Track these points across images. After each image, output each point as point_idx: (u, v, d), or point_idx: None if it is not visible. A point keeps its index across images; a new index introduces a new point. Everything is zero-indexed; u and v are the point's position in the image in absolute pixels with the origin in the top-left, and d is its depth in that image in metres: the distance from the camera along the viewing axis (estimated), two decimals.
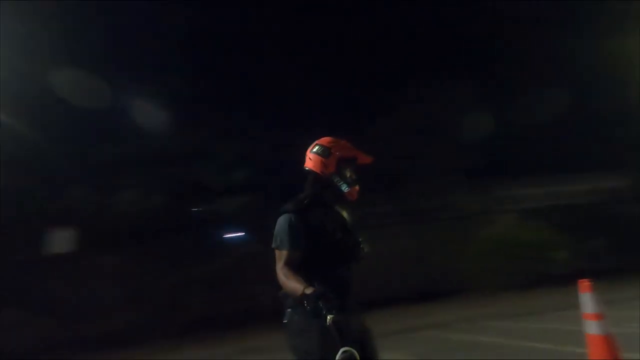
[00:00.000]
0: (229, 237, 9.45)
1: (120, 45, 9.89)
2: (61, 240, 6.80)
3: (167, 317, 7.96)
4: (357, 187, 1.61)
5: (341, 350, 1.05)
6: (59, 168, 8.01)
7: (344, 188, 1.58)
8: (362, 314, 1.59)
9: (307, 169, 1.67)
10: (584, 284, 2.89)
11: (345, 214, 1.68)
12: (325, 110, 11.92)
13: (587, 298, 2.84)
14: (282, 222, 1.52)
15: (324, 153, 1.64)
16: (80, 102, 8.16)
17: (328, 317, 1.12)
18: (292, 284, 1.38)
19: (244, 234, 10.33)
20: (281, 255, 1.47)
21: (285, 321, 1.50)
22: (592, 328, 2.78)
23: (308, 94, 11.85)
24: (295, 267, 1.45)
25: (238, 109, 10.35)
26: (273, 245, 1.49)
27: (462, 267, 10.21)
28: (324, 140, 1.69)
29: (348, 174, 1.60)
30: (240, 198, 8.46)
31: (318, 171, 1.63)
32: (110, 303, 8.41)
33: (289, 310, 1.50)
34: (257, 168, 9.18)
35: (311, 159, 1.66)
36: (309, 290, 1.25)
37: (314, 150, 1.67)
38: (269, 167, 9.60)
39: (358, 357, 1.08)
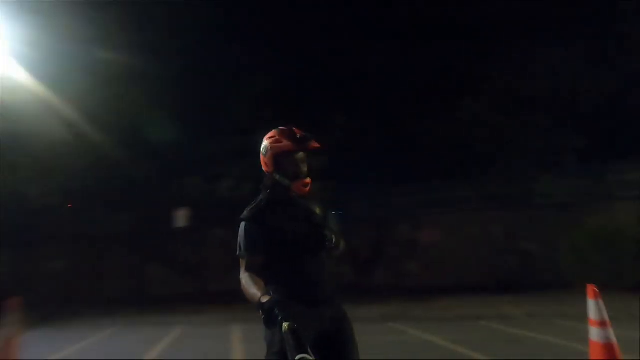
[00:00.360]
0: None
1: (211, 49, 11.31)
2: (182, 218, 8.93)
3: None
4: (304, 180, 1.55)
5: (298, 357, 1.04)
6: (179, 161, 10.48)
7: (287, 183, 1.54)
8: (339, 306, 1.61)
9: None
10: (591, 290, 2.87)
11: (314, 206, 1.63)
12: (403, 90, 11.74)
13: (592, 304, 2.83)
14: (240, 230, 1.54)
15: (263, 150, 1.60)
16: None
17: (283, 325, 1.12)
18: (250, 291, 1.38)
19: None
20: (242, 263, 1.50)
21: None
22: (594, 335, 2.79)
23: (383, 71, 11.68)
24: (259, 271, 1.46)
25: (313, 100, 11.04)
26: (237, 254, 1.52)
27: (555, 259, 9.28)
28: (266, 136, 1.62)
29: (290, 168, 1.54)
30: (313, 184, 9.38)
31: (265, 170, 1.61)
32: (221, 265, 10.68)
33: None
34: (330, 156, 9.98)
35: (260, 159, 1.63)
36: (264, 299, 1.26)
37: (261, 149, 1.62)
38: (341, 154, 10.32)
39: None
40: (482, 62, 11.34)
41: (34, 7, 8.31)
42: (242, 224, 1.51)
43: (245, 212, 1.54)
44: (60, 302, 10.46)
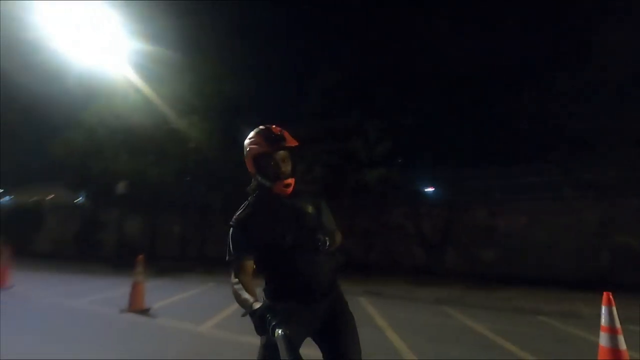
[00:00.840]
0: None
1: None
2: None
3: None
4: (285, 180, 1.49)
5: None
6: None
7: (268, 185, 1.51)
8: (339, 296, 1.61)
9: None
10: (606, 297, 2.90)
11: (304, 205, 1.57)
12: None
13: (605, 311, 2.87)
14: (229, 235, 1.53)
15: (245, 153, 1.57)
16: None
17: (276, 331, 1.12)
18: (241, 298, 1.39)
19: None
20: (231, 267, 1.49)
21: None
22: (603, 340, 2.86)
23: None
24: (249, 274, 1.47)
25: (385, 84, 11.03)
26: (226, 259, 1.51)
27: None
28: (247, 136, 1.58)
29: (270, 169, 1.50)
30: (381, 169, 9.73)
31: (250, 172, 1.58)
32: None
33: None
34: (397, 143, 10.10)
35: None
36: (256, 305, 1.26)
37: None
38: (407, 141, 10.31)
39: None
40: (581, 31, 9.79)
41: (144, 24, 10.19)
42: (231, 229, 1.51)
43: (234, 217, 1.53)
44: (175, 259, 13.09)
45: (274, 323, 1.17)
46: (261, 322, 1.22)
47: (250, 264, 1.48)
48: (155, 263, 11.53)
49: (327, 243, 1.48)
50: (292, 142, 1.53)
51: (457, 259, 11.19)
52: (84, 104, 12.57)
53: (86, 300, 6.79)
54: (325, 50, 12.03)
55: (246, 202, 1.58)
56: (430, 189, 13.27)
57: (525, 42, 10.87)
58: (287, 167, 1.54)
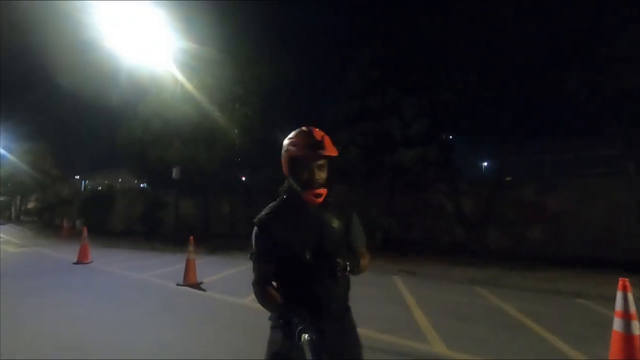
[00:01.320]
0: None
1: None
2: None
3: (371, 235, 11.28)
4: (316, 190, 1.41)
5: None
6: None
7: (298, 190, 1.43)
8: (348, 321, 1.52)
9: None
10: (622, 283, 2.90)
11: (332, 216, 1.48)
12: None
13: (620, 296, 2.88)
14: (253, 233, 1.47)
15: (282, 151, 1.48)
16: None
17: (303, 336, 1.10)
18: (265, 301, 1.40)
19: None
20: (253, 267, 1.46)
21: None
22: (617, 325, 2.88)
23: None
24: (270, 278, 1.43)
25: (427, 57, 10.60)
26: (248, 257, 1.48)
27: None
28: (290, 134, 1.49)
29: (304, 175, 1.41)
30: (417, 148, 9.61)
31: (284, 172, 1.48)
32: None
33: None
34: (435, 120, 9.84)
35: None
36: (282, 309, 1.26)
37: None
38: (447, 117, 9.96)
39: None
40: None
41: (184, 20, 10.81)
42: (254, 228, 1.47)
43: (259, 216, 1.49)
44: (226, 237, 14.20)
45: (300, 327, 1.15)
46: (287, 326, 1.20)
47: (269, 268, 1.44)
48: (208, 241, 12.66)
49: (348, 269, 1.34)
50: (331, 152, 1.40)
51: (500, 238, 10.88)
52: (140, 98, 13.79)
53: (149, 274, 7.81)
54: (360, 29, 11.72)
55: (274, 203, 1.52)
56: (472, 166, 12.85)
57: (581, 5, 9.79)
58: (321, 176, 1.42)
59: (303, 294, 1.39)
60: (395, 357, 3.54)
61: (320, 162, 1.42)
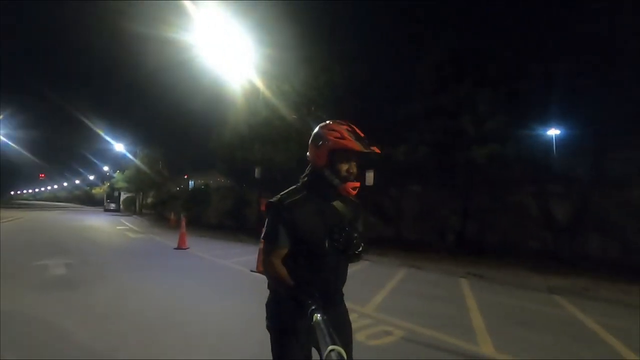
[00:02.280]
0: None
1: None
2: (369, 177, 10.85)
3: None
4: (354, 183, 1.44)
5: (328, 348, 0.99)
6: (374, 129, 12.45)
7: (336, 183, 1.43)
8: (341, 308, 1.55)
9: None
10: None
11: (343, 208, 1.51)
12: None
13: None
14: (269, 213, 1.46)
15: (316, 141, 1.48)
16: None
17: (315, 316, 1.13)
18: (277, 281, 1.42)
19: None
20: (265, 248, 1.46)
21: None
22: None
23: None
24: (284, 262, 1.43)
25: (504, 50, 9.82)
26: (261, 236, 1.47)
27: None
28: (324, 125, 1.50)
29: (344, 169, 1.42)
30: (492, 145, 8.93)
31: (312, 161, 1.50)
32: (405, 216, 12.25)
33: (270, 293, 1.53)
34: (515, 114, 9.00)
35: (309, 146, 1.52)
36: (295, 289, 1.28)
37: (311, 136, 1.50)
38: (528, 111, 9.00)
39: (345, 356, 0.98)
40: None
41: (264, 35, 11.85)
42: (272, 209, 1.45)
43: (278, 197, 1.48)
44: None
45: (313, 307, 1.17)
46: (300, 306, 1.22)
47: (282, 251, 1.44)
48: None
49: (360, 249, 1.42)
50: (378, 150, 1.44)
51: (602, 245, 9.46)
52: (228, 106, 15.52)
53: (231, 261, 8.86)
54: (433, 25, 11.38)
55: (294, 187, 1.52)
56: (570, 164, 11.34)
57: None
58: (356, 170, 1.47)
59: (317, 279, 1.41)
60: (435, 352, 3.57)
61: (357, 158, 1.46)
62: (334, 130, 1.44)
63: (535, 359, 3.42)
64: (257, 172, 14.54)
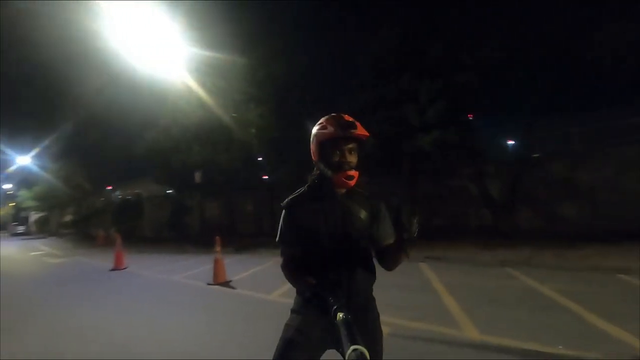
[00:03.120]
0: None
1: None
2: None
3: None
4: (347, 172, 1.39)
5: (351, 348, 0.96)
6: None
7: (328, 174, 1.41)
8: (372, 318, 1.48)
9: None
10: None
11: (359, 205, 1.46)
12: None
13: None
14: (281, 216, 1.50)
15: (312, 138, 1.48)
16: None
17: (338, 315, 1.09)
18: (299, 283, 1.41)
19: None
20: (282, 251, 1.49)
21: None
22: None
23: None
24: (296, 263, 1.44)
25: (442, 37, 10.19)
26: (276, 240, 1.50)
27: None
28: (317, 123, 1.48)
29: (334, 157, 1.40)
30: (434, 132, 9.37)
31: (313, 159, 1.50)
32: None
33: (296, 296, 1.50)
34: (454, 102, 9.54)
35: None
36: (317, 288, 1.26)
37: None
38: (465, 98, 9.64)
39: (368, 356, 0.95)
40: None
41: (195, 31, 10.97)
42: (283, 212, 1.48)
43: (286, 199, 1.49)
44: (252, 236, 14.44)
45: (335, 306, 1.14)
46: (323, 304, 1.19)
47: (294, 252, 1.46)
48: (234, 241, 12.92)
49: (380, 246, 1.43)
50: (362, 132, 1.40)
51: (531, 218, 10.50)
52: (159, 108, 14.15)
53: (181, 276, 8.07)
54: (373, 18, 11.50)
55: (302, 188, 1.51)
56: (498, 146, 12.42)
57: None
58: (352, 159, 1.42)
59: (324, 279, 1.37)
60: (427, 344, 3.49)
61: (351, 145, 1.42)
62: (320, 123, 1.44)
63: (519, 339, 3.51)
64: (197, 177, 13.54)
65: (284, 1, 12.41)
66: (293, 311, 1.49)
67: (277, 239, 1.49)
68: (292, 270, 1.44)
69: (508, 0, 9.28)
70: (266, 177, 15.68)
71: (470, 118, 10.53)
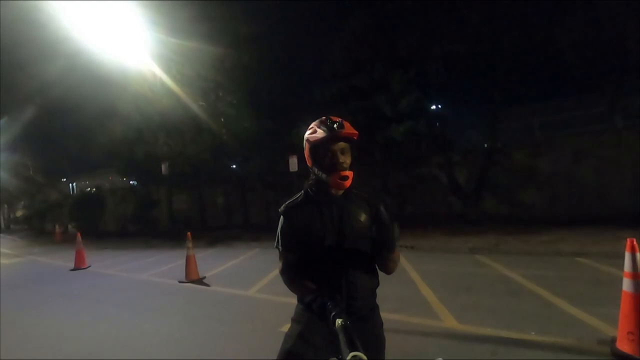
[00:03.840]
0: None
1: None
2: (293, 163, 10.58)
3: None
4: (341, 172, 1.38)
5: (350, 354, 0.95)
6: (289, 115, 11.96)
7: (323, 177, 1.41)
8: (374, 324, 1.46)
9: None
10: (630, 243, 2.88)
11: (358, 207, 1.45)
12: None
13: (628, 257, 2.87)
14: (279, 222, 1.50)
15: (303, 144, 1.48)
16: None
17: (337, 321, 1.08)
18: (298, 289, 1.40)
19: None
20: (280, 256, 1.49)
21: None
22: (626, 285, 2.89)
23: None
24: (295, 268, 1.43)
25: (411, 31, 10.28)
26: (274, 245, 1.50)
27: None
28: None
29: (326, 159, 1.39)
30: (407, 122, 9.49)
31: (308, 165, 1.50)
32: None
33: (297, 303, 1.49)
34: (425, 92, 9.69)
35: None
36: (315, 294, 1.24)
37: None
38: (436, 90, 9.83)
39: None
40: None
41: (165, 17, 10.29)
42: (280, 218, 1.48)
43: (283, 205, 1.49)
44: (223, 229, 14.10)
45: (334, 313, 1.13)
46: (321, 310, 1.18)
47: (293, 256, 1.45)
48: (205, 234, 12.55)
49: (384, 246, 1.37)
50: (350, 130, 1.39)
51: (496, 205, 10.97)
52: (119, 95, 13.26)
53: (150, 274, 7.71)
54: (344, 7, 11.30)
55: (299, 193, 1.51)
56: (464, 136, 12.81)
57: None
58: (345, 160, 1.40)
59: (320, 281, 1.37)
60: (409, 336, 3.54)
61: (342, 145, 1.41)
62: (310, 128, 1.44)
63: (493, 326, 3.64)
64: (164, 168, 12.94)
65: None
66: (293, 320, 1.46)
67: (275, 244, 1.48)
68: (291, 276, 1.43)
69: None
70: (234, 166, 15.26)
71: (439, 108, 10.75)
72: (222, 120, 12.69)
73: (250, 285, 5.81)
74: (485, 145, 11.15)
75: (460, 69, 10.01)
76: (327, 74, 11.76)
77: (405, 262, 6.76)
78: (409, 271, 6.05)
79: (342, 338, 1.04)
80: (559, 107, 10.78)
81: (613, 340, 2.99)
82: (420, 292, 4.89)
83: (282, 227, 1.46)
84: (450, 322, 3.83)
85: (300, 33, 12.13)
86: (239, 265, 8.13)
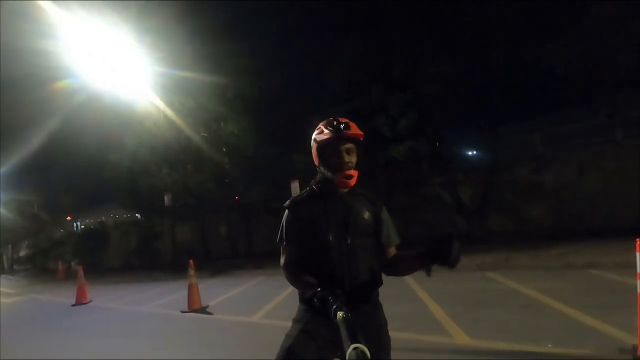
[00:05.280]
0: None
1: None
2: (295, 188, 10.57)
3: None
4: (347, 172, 1.42)
5: (351, 346, 0.95)
6: (289, 141, 12.11)
7: (330, 176, 1.44)
8: (376, 324, 1.45)
9: None
10: (639, 244, 2.81)
11: (362, 206, 1.49)
12: None
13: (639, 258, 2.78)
14: (283, 216, 1.52)
15: (311, 144, 1.52)
16: None
17: (338, 314, 1.08)
18: (298, 282, 1.40)
19: None
20: (282, 251, 1.50)
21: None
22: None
23: None
24: (297, 262, 1.45)
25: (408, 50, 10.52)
26: (276, 241, 1.51)
27: None
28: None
29: (332, 158, 1.43)
30: (406, 142, 9.57)
31: (315, 164, 1.53)
32: None
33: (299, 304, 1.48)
34: (423, 113, 9.85)
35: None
36: (317, 288, 1.23)
37: None
38: (434, 110, 10.00)
39: (369, 354, 0.94)
40: None
41: (160, 50, 10.73)
42: (285, 212, 1.51)
43: (288, 200, 1.53)
44: (227, 258, 13.91)
45: (335, 306, 1.13)
46: (322, 304, 1.18)
47: (295, 251, 1.46)
48: (209, 264, 12.37)
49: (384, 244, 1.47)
50: (356, 131, 1.43)
51: (502, 221, 10.81)
52: (124, 130, 13.56)
53: (152, 305, 7.53)
54: (339, 34, 11.73)
55: (307, 189, 1.54)
56: (466, 155, 12.87)
57: None
58: (351, 159, 1.44)
59: (324, 276, 1.37)
60: (419, 354, 3.39)
61: (348, 145, 1.44)
62: (318, 128, 1.48)
63: (506, 340, 3.49)
64: (167, 200, 12.97)
65: (252, 21, 12.43)
66: (295, 321, 1.47)
67: (277, 239, 1.50)
68: (293, 270, 1.44)
69: (467, 14, 9.70)
70: (237, 197, 15.26)
71: (439, 127, 10.86)
72: (224, 149, 12.85)
73: (254, 311, 5.64)
74: (488, 162, 11.16)
75: (456, 88, 10.20)
76: (325, 100, 12.03)
77: (412, 281, 6.58)
78: (416, 290, 5.88)
79: (343, 331, 1.03)
80: (560, 121, 10.86)
81: (634, 347, 2.84)
82: (429, 309, 4.73)
83: (287, 221, 1.48)
84: (461, 338, 3.67)
85: (298, 62, 12.50)
86: (242, 292, 7.95)
